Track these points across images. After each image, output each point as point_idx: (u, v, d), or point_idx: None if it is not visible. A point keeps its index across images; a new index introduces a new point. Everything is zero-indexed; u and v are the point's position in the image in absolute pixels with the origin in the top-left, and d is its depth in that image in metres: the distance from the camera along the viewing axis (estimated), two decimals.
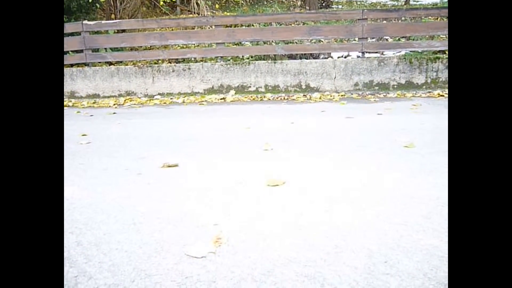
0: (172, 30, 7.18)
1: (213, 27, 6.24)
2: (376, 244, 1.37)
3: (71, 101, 6.23)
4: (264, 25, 6.87)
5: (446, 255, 1.28)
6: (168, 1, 7.69)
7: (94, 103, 6.03)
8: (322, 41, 6.77)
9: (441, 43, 5.94)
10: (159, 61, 6.85)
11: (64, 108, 5.68)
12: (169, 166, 2.41)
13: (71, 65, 6.59)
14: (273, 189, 1.95)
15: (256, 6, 12.30)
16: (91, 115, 4.81)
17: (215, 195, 1.90)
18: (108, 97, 6.31)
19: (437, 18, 7.09)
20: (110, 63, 6.77)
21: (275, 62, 6.02)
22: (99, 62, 6.56)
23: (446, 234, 1.42)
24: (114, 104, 5.79)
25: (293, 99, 5.56)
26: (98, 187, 2.09)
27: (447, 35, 6.26)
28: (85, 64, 6.41)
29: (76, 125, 4.04)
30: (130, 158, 2.65)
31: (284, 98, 5.73)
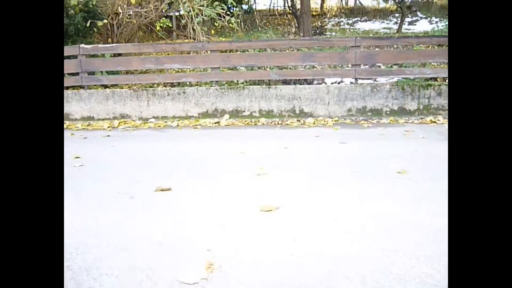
0: (168, 54, 7.26)
1: (209, 52, 6.33)
2: (369, 270, 1.36)
3: (65, 123, 6.23)
4: (258, 51, 6.97)
5: (439, 284, 1.28)
6: (164, 26, 7.80)
7: (88, 125, 6.03)
8: (316, 67, 6.87)
9: (433, 71, 6.05)
10: (154, 85, 6.90)
11: None
12: (163, 190, 2.40)
13: (67, 88, 6.61)
14: (266, 214, 1.95)
15: (251, 32, 12.51)
16: (85, 138, 4.80)
17: (208, 219, 1.89)
18: (103, 119, 6.32)
19: (428, 46, 7.24)
20: (106, 86, 6.80)
21: (269, 87, 6.08)
22: (95, 85, 6.59)
23: (439, 262, 1.42)
24: (108, 127, 5.79)
25: (287, 124, 5.60)
26: (91, 210, 2.07)
27: (438, 63, 6.39)
28: (81, 87, 6.44)
29: (70, 148, 4.02)
30: (123, 182, 2.64)
31: (278, 123, 5.77)
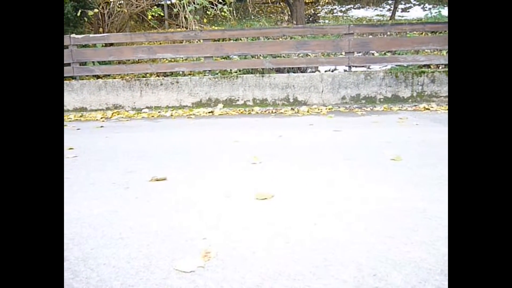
0: (160, 44, 7.20)
1: (201, 41, 6.28)
2: (365, 257, 1.38)
3: None
4: (252, 39, 6.93)
5: (434, 268, 1.29)
6: (156, 15, 7.72)
7: (81, 116, 5.99)
8: (310, 55, 6.85)
9: (426, 58, 6.05)
10: (147, 75, 6.85)
11: None
12: (157, 180, 2.40)
13: None
14: (261, 203, 1.95)
15: (244, 20, 12.42)
16: (78, 129, 4.78)
17: (203, 209, 1.90)
18: (96, 110, 6.28)
19: (421, 33, 7.24)
20: (98, 77, 6.74)
21: (263, 76, 6.06)
22: (87, 76, 6.53)
23: (433, 246, 1.44)
24: (101, 118, 5.76)
25: (281, 113, 5.60)
26: (85, 201, 2.07)
27: (431, 50, 6.39)
28: (73, 78, 6.38)
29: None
30: (117, 172, 2.63)
31: (272, 111, 5.76)
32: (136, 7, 7.91)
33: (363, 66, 6.59)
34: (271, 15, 14.38)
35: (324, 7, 15.75)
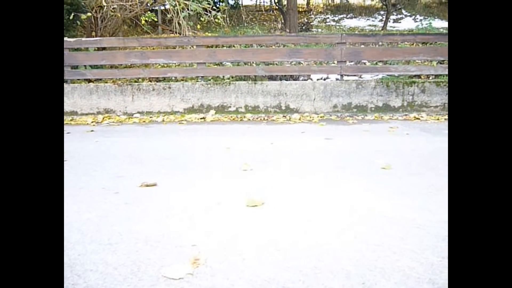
0: (153, 49, 7.19)
1: (195, 47, 6.29)
2: (354, 265, 1.38)
3: None
4: (245, 46, 6.95)
5: (422, 277, 1.30)
6: (149, 20, 7.71)
7: (71, 120, 5.94)
8: (302, 63, 6.88)
9: (417, 68, 6.12)
10: (139, 80, 6.83)
11: None
12: (148, 186, 2.39)
13: None
14: (252, 210, 1.95)
15: (238, 27, 12.47)
16: (68, 133, 4.74)
17: (193, 215, 1.89)
18: (86, 114, 6.23)
19: (412, 44, 7.32)
20: (89, 80, 6.71)
21: (255, 83, 6.07)
22: (78, 79, 6.49)
23: (422, 255, 1.44)
24: (92, 122, 5.72)
25: (273, 120, 5.60)
26: (74, 206, 2.05)
27: (422, 60, 6.46)
28: (64, 81, 6.33)
29: None
30: (107, 177, 2.61)
31: (264, 118, 5.77)
32: (130, 11, 7.90)
33: (354, 75, 6.63)
34: (264, 23, 14.46)
35: (317, 16, 15.89)
